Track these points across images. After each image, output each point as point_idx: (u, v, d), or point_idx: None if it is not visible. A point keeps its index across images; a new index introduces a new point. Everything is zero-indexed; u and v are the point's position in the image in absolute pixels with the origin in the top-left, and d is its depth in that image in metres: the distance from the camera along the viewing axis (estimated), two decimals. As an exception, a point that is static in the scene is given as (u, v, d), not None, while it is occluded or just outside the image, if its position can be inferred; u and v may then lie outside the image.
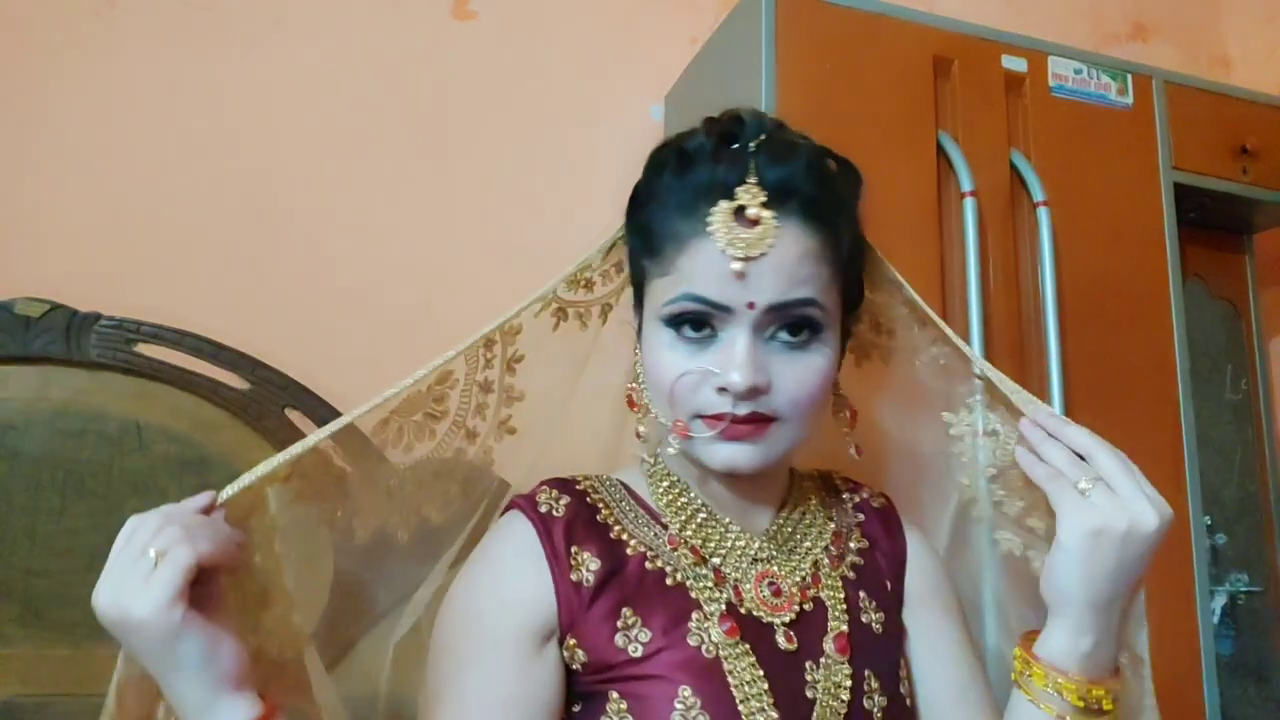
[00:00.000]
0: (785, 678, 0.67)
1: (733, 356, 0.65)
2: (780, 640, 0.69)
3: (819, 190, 0.68)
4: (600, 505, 0.74)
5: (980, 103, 1.31)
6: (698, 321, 0.66)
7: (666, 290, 0.67)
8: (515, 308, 0.78)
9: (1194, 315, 1.47)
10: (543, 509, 0.71)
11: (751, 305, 0.65)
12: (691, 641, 0.67)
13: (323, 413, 1.22)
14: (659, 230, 0.68)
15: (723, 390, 0.65)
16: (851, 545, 0.78)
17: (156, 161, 1.32)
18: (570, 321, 0.82)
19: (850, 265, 0.72)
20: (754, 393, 0.65)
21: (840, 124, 1.22)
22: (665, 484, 0.76)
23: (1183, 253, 1.41)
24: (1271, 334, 1.68)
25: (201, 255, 1.31)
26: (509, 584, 0.69)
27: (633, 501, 0.75)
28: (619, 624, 0.67)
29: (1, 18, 1.28)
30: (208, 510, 0.63)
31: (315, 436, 0.68)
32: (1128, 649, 0.71)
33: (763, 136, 0.68)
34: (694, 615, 0.68)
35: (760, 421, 0.66)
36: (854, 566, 0.77)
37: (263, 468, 0.65)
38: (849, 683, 0.69)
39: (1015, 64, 1.35)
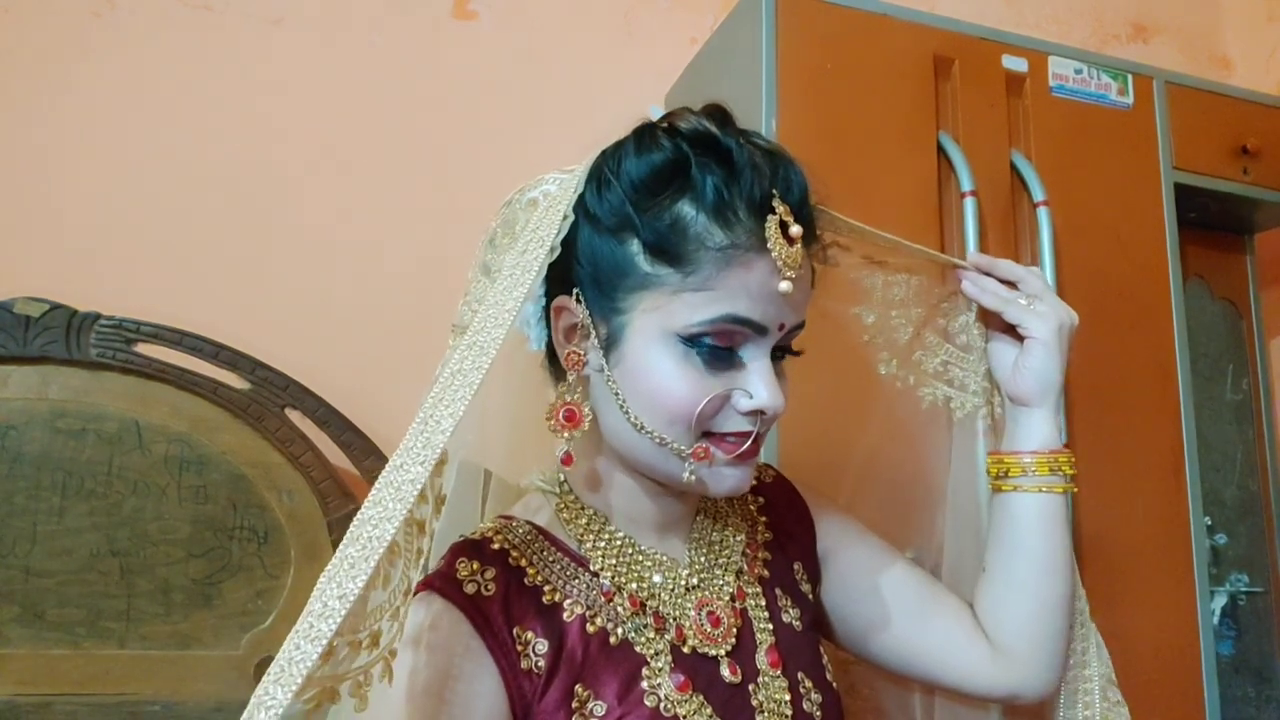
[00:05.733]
0: (736, 712, 0.66)
1: (763, 379, 0.62)
2: (725, 673, 0.67)
3: (809, 204, 0.65)
4: (524, 564, 0.66)
5: (980, 103, 1.31)
6: (718, 340, 0.61)
7: (698, 308, 0.60)
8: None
9: (1195, 315, 1.47)
10: (469, 589, 0.62)
11: (782, 327, 0.63)
12: (649, 702, 0.63)
13: (322, 412, 1.23)
14: (695, 236, 0.60)
15: (750, 413, 0.63)
16: (758, 539, 0.77)
17: (157, 162, 1.32)
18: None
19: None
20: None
21: (840, 124, 1.23)
22: (584, 520, 0.69)
23: (1183, 253, 1.41)
24: (1272, 334, 1.68)
25: (201, 255, 1.31)
26: (453, 685, 0.60)
27: (552, 548, 0.68)
28: (574, 705, 0.62)
29: (1, 18, 1.28)
30: None
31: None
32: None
33: (760, 142, 0.64)
34: (644, 672, 0.64)
35: (757, 439, 0.65)
36: (766, 564, 0.75)
37: None
38: (788, 695, 0.68)
39: (1015, 64, 1.35)
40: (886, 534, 0.83)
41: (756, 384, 0.62)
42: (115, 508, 1.15)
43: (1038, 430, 0.76)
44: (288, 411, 1.22)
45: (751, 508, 0.79)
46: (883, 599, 0.78)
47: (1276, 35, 1.97)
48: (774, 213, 0.61)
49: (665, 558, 0.70)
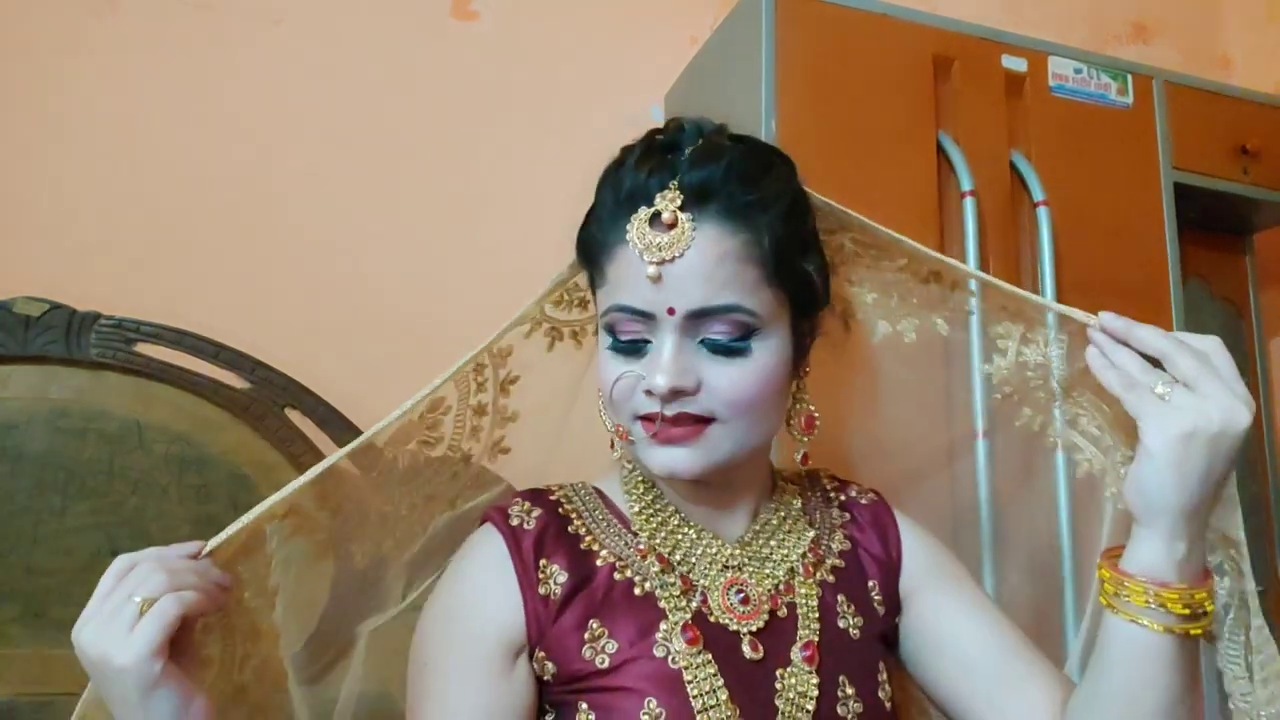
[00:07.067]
0: (751, 687, 0.67)
1: (659, 360, 0.66)
2: (746, 649, 0.69)
3: (739, 190, 0.67)
4: (572, 515, 0.75)
5: (980, 103, 1.31)
6: (634, 328, 0.68)
7: (603, 300, 0.70)
8: (500, 329, 0.79)
9: (1194, 315, 1.47)
10: (514, 522, 0.73)
11: (672, 311, 0.65)
12: (658, 653, 0.67)
13: (322, 412, 1.23)
14: (596, 241, 0.71)
15: (650, 393, 0.67)
16: (833, 547, 0.78)
17: (156, 161, 1.32)
18: (565, 342, 0.85)
19: (785, 265, 0.69)
20: (678, 395, 0.66)
21: (840, 124, 1.23)
22: (640, 489, 0.76)
23: (1183, 253, 1.41)
24: (1272, 334, 1.68)
25: (201, 255, 1.31)
26: (479, 600, 0.70)
27: (605, 510, 0.77)
28: (586, 636, 0.68)
29: (2, 18, 1.28)
30: (195, 556, 0.64)
31: (311, 473, 0.69)
32: (1218, 533, 0.68)
33: (700, 141, 0.69)
34: (661, 625, 0.68)
35: (695, 423, 0.67)
36: (834, 570, 0.77)
37: (258, 509, 0.67)
38: (815, 692, 0.68)
39: (1015, 64, 1.35)
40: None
41: (652, 365, 0.67)
42: (117, 507, 1.15)
43: (1144, 553, 0.62)
44: (288, 411, 1.22)
45: (835, 520, 0.81)
46: (958, 657, 0.74)
47: (1277, 35, 1.97)
48: (651, 205, 0.66)
49: (708, 534, 0.75)
